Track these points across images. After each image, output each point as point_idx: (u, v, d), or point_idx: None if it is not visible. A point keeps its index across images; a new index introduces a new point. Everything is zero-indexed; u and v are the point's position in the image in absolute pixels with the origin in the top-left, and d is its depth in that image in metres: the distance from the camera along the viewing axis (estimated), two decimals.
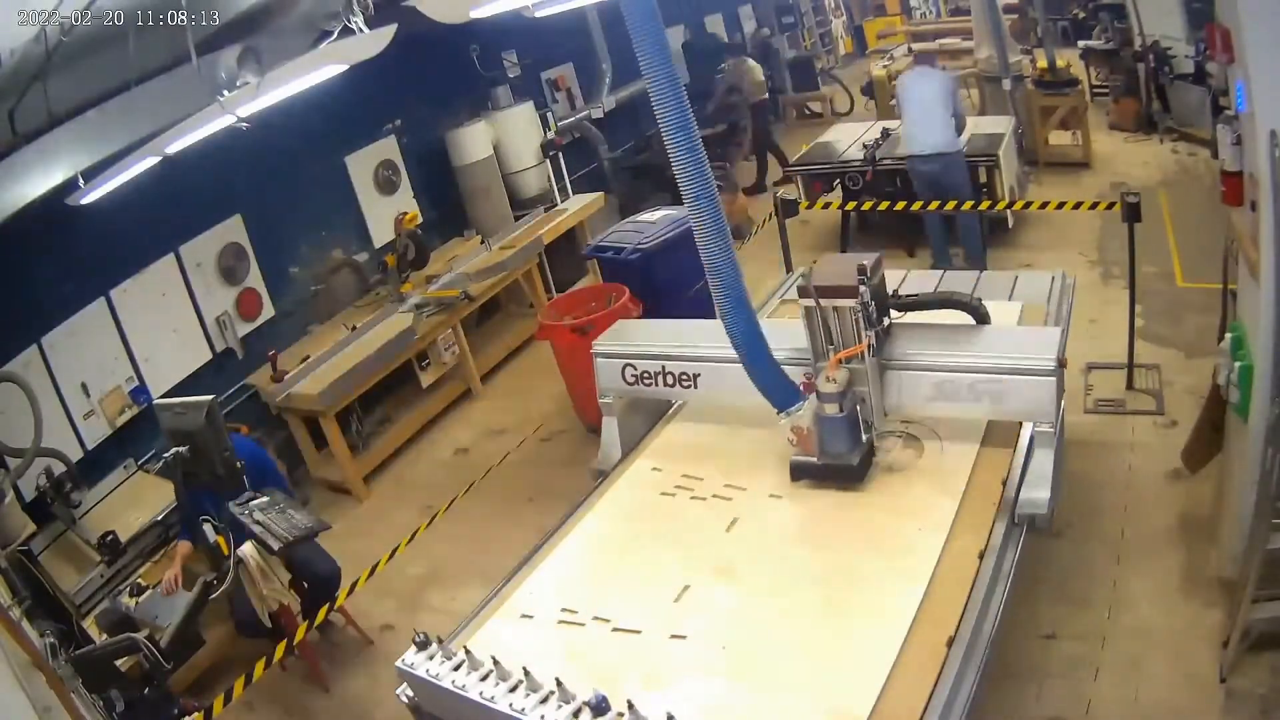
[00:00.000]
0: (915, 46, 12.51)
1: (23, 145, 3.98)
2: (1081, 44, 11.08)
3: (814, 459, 3.51)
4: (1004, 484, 3.42)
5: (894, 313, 3.71)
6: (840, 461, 3.48)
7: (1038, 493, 3.37)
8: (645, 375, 4.17)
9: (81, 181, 4.45)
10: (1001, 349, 3.49)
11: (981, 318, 3.73)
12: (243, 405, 6.41)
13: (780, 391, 3.50)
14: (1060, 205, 6.65)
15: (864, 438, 3.53)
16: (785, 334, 3.76)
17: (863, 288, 3.38)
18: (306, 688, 4.62)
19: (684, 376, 4.09)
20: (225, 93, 3.79)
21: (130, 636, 3.40)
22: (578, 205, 8.81)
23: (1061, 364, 3.38)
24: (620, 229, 6.86)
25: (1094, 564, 4.15)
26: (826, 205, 7.91)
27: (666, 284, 6.39)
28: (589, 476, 4.28)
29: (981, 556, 3.07)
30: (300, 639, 4.31)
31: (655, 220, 6.82)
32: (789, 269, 6.30)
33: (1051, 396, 3.35)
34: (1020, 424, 3.64)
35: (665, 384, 4.16)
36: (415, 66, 7.23)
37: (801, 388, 3.49)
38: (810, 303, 3.53)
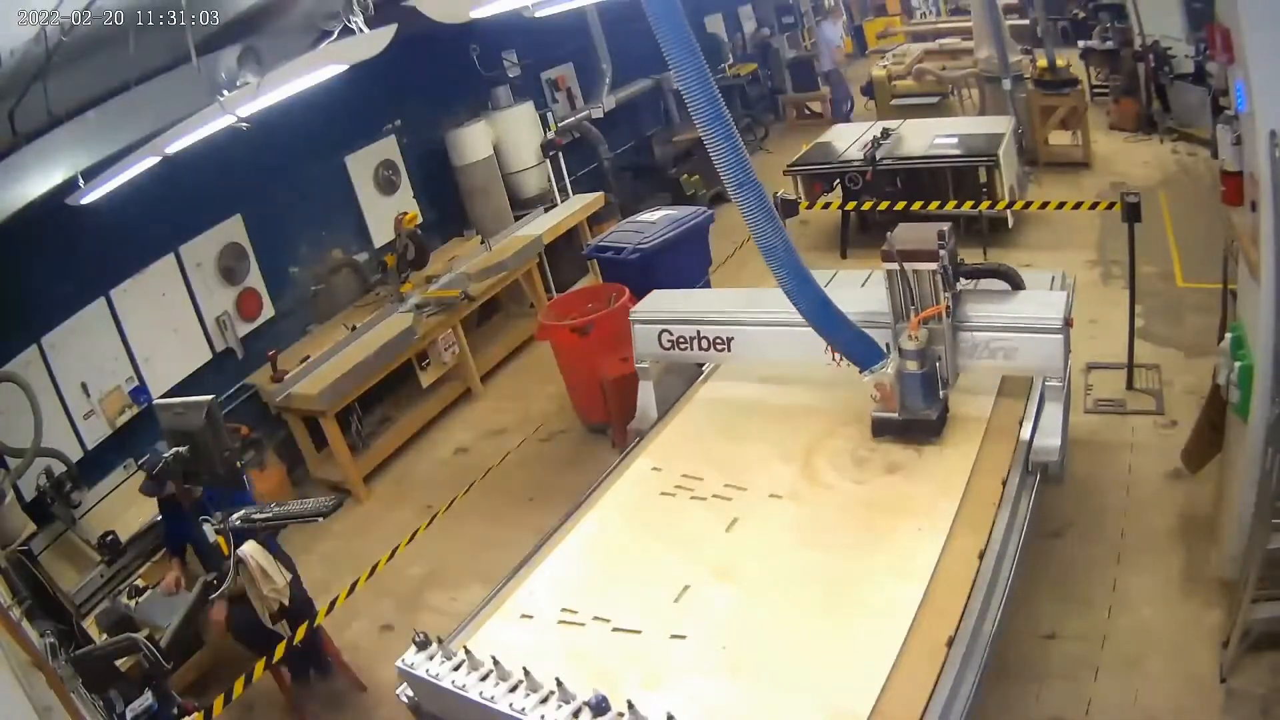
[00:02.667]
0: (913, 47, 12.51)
1: (23, 145, 3.98)
2: (1081, 44, 11.08)
3: (895, 415, 3.72)
4: (1006, 480, 3.43)
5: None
6: (920, 416, 3.70)
7: (1050, 440, 3.64)
8: (681, 340, 4.44)
9: (81, 181, 4.45)
10: (1029, 311, 3.78)
11: (1018, 284, 4.01)
12: (243, 405, 6.41)
13: (863, 351, 3.70)
14: (1060, 205, 6.65)
15: (941, 394, 3.74)
16: (854, 299, 3.97)
17: (942, 251, 3.62)
18: (305, 689, 4.61)
19: (718, 340, 4.35)
20: (225, 93, 3.80)
21: (130, 636, 3.40)
22: (579, 205, 8.82)
23: (1068, 323, 3.68)
24: (621, 229, 6.86)
25: (1094, 564, 4.15)
26: (826, 205, 7.91)
27: (667, 283, 6.39)
28: (628, 439, 4.54)
29: (981, 556, 3.07)
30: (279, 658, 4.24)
31: (655, 220, 6.82)
32: None
33: (1059, 352, 3.63)
34: (1020, 420, 3.67)
35: (700, 348, 4.44)
36: (415, 66, 7.23)
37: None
38: (894, 265, 3.74)
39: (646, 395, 4.59)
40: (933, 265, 3.66)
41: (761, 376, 4.49)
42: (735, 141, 3.14)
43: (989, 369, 3.86)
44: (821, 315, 3.56)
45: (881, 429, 3.78)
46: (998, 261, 4.51)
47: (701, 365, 4.79)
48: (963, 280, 3.94)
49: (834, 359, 3.90)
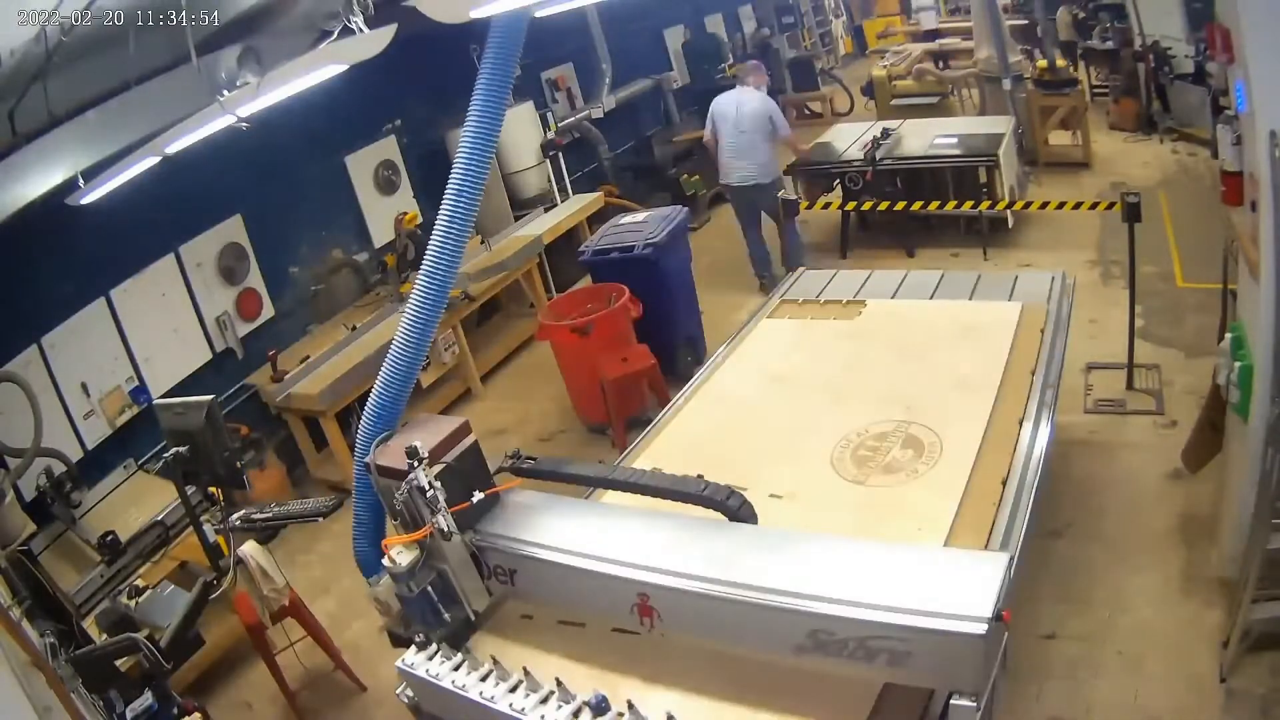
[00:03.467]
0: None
1: (23, 145, 3.98)
2: (1081, 44, 11.08)
3: (400, 630, 3.17)
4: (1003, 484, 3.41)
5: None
6: (428, 632, 3.00)
7: None
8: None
9: (81, 181, 4.45)
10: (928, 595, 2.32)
11: (736, 517, 2.93)
12: (243, 405, 6.41)
13: (368, 561, 3.41)
14: (1060, 205, 6.66)
15: (454, 615, 3.05)
16: None
17: (414, 472, 2.82)
18: (306, 688, 4.61)
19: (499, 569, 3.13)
20: (225, 93, 3.79)
21: (130, 636, 3.40)
22: (579, 205, 8.81)
23: (999, 617, 2.20)
24: (614, 231, 6.85)
25: (1094, 564, 4.15)
26: (826, 205, 7.91)
27: (670, 277, 6.43)
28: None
29: None
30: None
31: (644, 219, 6.86)
32: (789, 269, 6.31)
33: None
34: (1018, 429, 3.63)
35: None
36: (415, 66, 7.22)
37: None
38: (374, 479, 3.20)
39: None
40: (403, 484, 2.87)
41: (764, 376, 4.48)
42: (464, 232, 3.15)
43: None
44: (363, 500, 3.37)
45: (396, 641, 3.22)
46: (700, 479, 3.06)
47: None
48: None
49: (643, 622, 2.76)
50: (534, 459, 3.42)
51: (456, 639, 3.03)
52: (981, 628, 2.14)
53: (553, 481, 3.44)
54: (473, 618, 3.08)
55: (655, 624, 2.69)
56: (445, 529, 2.84)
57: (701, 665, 2.80)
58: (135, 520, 4.94)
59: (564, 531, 3.01)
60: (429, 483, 2.82)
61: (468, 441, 3.12)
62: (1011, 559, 2.50)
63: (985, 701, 2.27)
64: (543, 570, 2.93)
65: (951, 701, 2.28)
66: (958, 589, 2.28)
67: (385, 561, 2.96)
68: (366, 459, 3.19)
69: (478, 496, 3.02)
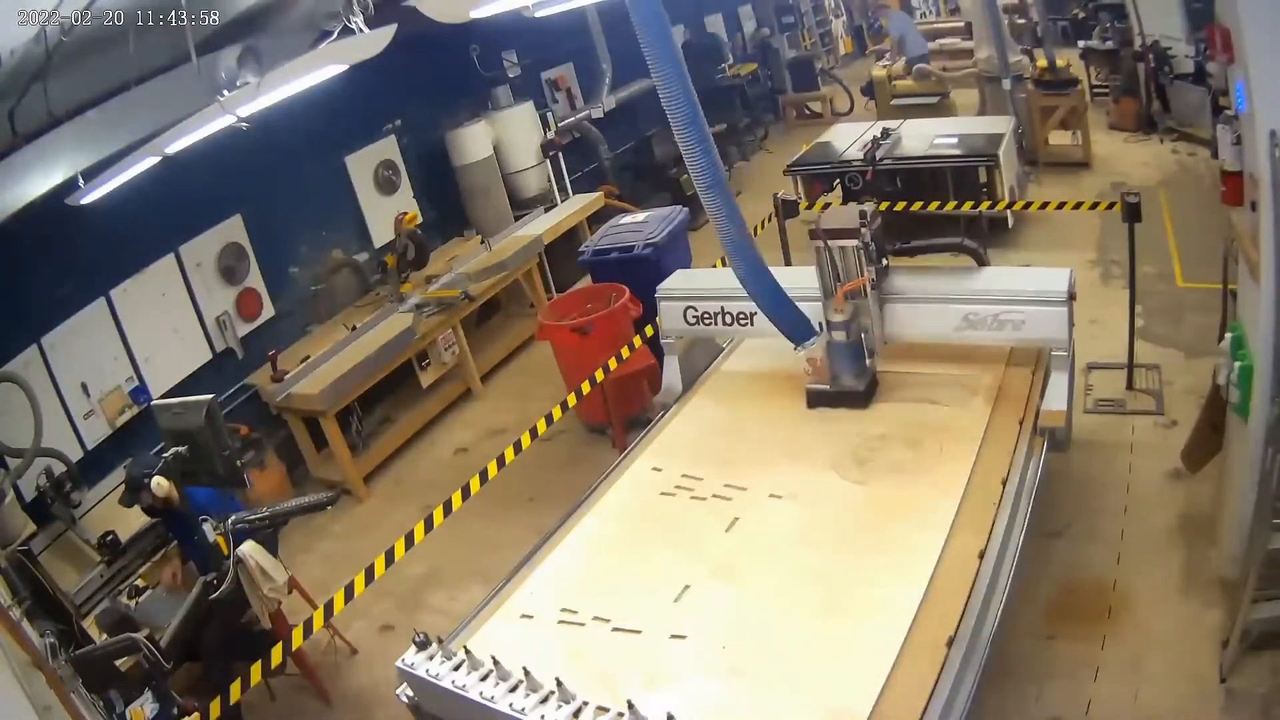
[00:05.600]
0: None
1: (23, 145, 3.98)
2: (1081, 44, 11.08)
3: (826, 386, 4.11)
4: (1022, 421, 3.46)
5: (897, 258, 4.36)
6: (848, 388, 4.09)
7: (1056, 405, 3.88)
8: (705, 315, 4.69)
9: (81, 181, 4.45)
10: (1005, 285, 4.07)
11: (982, 261, 4.48)
12: (243, 405, 6.41)
13: (796, 327, 4.00)
14: (1060, 205, 6.65)
15: (868, 364, 4.11)
16: (798, 277, 4.26)
17: (863, 229, 3.93)
18: (305, 688, 4.61)
19: (741, 315, 4.54)
20: (225, 93, 3.79)
21: (130, 636, 3.40)
22: (579, 205, 8.81)
23: (1072, 296, 3.91)
24: (614, 231, 6.84)
25: (1094, 564, 4.15)
26: (826, 205, 7.90)
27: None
28: (654, 409, 4.89)
29: (981, 556, 3.07)
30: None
31: (644, 219, 6.86)
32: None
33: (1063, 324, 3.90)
34: (1020, 422, 3.66)
35: (724, 323, 4.66)
36: (415, 66, 7.23)
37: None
38: (819, 243, 4.05)
39: (672, 370, 4.81)
40: (854, 242, 3.97)
41: (768, 370, 4.53)
42: (708, 145, 3.46)
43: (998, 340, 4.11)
44: (767, 296, 3.92)
45: (814, 400, 4.14)
46: (959, 238, 4.98)
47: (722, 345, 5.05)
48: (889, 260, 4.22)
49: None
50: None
51: (871, 390, 4.09)
52: (1064, 298, 3.87)
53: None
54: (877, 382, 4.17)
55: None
56: (874, 279, 4.01)
57: (702, 665, 2.81)
58: (135, 520, 4.93)
59: None
60: (871, 239, 3.92)
61: (879, 221, 4.07)
62: (1072, 271, 4.03)
63: (1071, 356, 3.99)
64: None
65: (1053, 353, 3.97)
66: (1047, 283, 3.97)
67: (830, 310, 4.03)
68: (813, 227, 4.10)
69: (886, 261, 4.12)
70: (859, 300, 4.06)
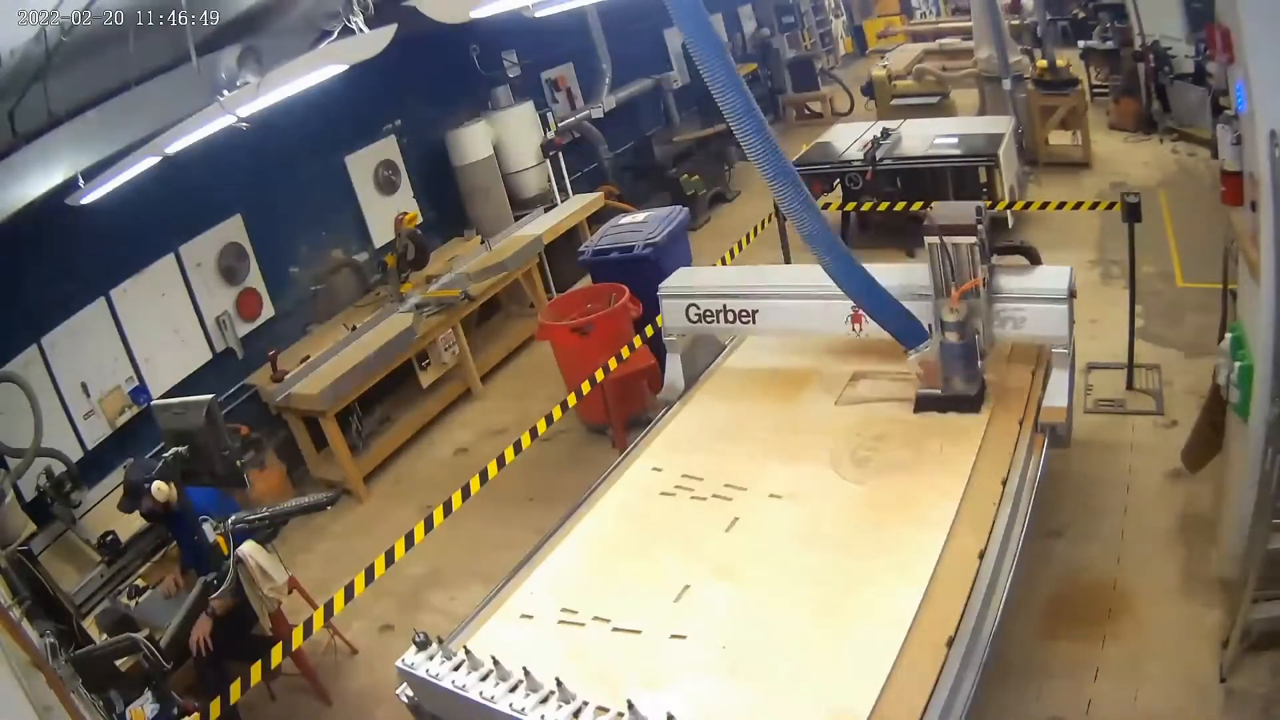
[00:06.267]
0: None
1: (23, 145, 3.98)
2: (1081, 44, 11.08)
3: (938, 390, 3.93)
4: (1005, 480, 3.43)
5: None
6: (960, 391, 3.91)
7: (1057, 401, 3.87)
8: (708, 313, 4.66)
9: (81, 181, 4.45)
10: (1006, 283, 4.01)
11: (1036, 260, 4.51)
12: (243, 405, 6.41)
13: (906, 328, 3.90)
14: (1060, 205, 6.64)
15: (980, 366, 3.92)
16: (894, 276, 4.09)
17: (979, 226, 3.77)
18: (305, 689, 4.61)
19: (744, 313, 4.54)
20: (225, 93, 3.79)
21: (130, 636, 3.40)
22: (579, 205, 8.81)
23: (1072, 294, 3.90)
24: (615, 231, 6.84)
25: (1094, 564, 4.15)
26: (826, 205, 7.89)
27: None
28: (654, 409, 4.93)
29: (981, 556, 3.07)
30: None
31: (643, 219, 6.85)
32: None
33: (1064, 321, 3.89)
34: (1020, 422, 3.70)
35: (726, 321, 4.64)
36: (415, 66, 7.22)
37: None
38: (934, 240, 3.85)
39: (674, 368, 4.79)
40: (971, 239, 3.80)
41: (770, 367, 4.56)
42: (767, 134, 3.23)
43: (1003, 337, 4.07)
44: (869, 296, 3.77)
45: (924, 404, 3.96)
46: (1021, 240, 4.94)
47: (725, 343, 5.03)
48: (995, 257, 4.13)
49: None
50: None
51: (974, 404, 3.87)
52: (1065, 294, 3.86)
53: None
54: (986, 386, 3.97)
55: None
56: (986, 280, 3.82)
57: (701, 665, 2.81)
58: (135, 520, 4.93)
59: None
60: (982, 238, 3.76)
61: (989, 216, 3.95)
62: (1071, 270, 4.00)
63: (1071, 352, 3.98)
64: None
65: (1054, 350, 3.95)
66: (1049, 280, 3.97)
67: (945, 310, 3.80)
68: (928, 222, 3.89)
69: (994, 259, 3.99)
70: (973, 300, 3.88)
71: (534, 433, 4.92)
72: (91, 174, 4.46)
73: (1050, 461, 3.85)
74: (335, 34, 3.90)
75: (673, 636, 2.94)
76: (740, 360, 4.83)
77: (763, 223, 7.07)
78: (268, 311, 6.80)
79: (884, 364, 4.30)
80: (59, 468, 5.04)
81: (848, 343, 4.48)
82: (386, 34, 3.91)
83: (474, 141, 8.25)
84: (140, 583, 4.59)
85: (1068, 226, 7.47)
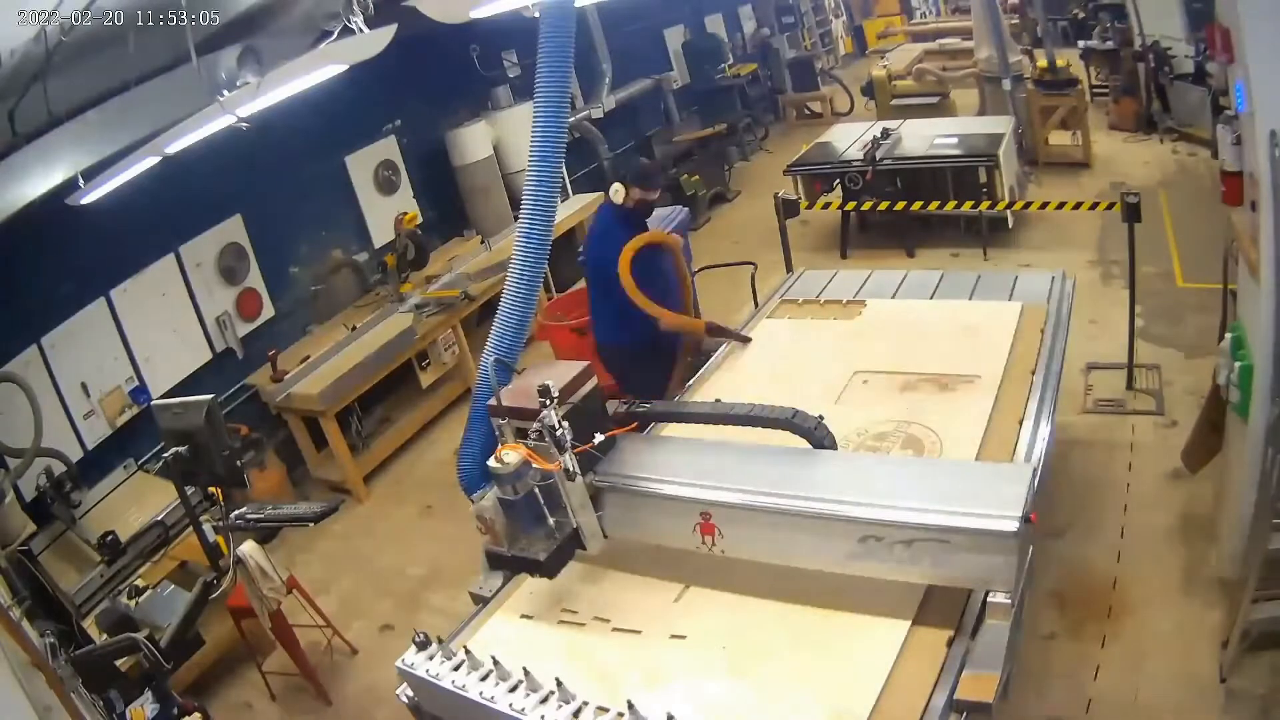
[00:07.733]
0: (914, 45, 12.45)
1: (23, 145, 3.97)
2: (1081, 44, 11.08)
3: (503, 550, 3.08)
4: None
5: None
6: (530, 554, 2.98)
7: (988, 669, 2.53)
8: None
9: (81, 181, 4.44)
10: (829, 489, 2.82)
11: (819, 443, 3.09)
12: (243, 405, 6.41)
13: (470, 475, 3.59)
14: (1060, 205, 6.65)
15: (560, 524, 3.02)
16: None
17: (545, 411, 2.86)
18: (305, 688, 4.62)
19: None
20: (225, 93, 3.78)
21: (130, 636, 3.40)
22: (579, 205, 8.81)
23: (1029, 519, 2.48)
24: None
25: (1094, 564, 4.15)
26: (826, 205, 7.90)
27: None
28: None
29: None
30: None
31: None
32: (789, 269, 6.30)
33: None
34: (1018, 429, 3.64)
35: None
36: (415, 66, 7.23)
37: None
38: (501, 421, 3.14)
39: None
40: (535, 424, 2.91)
41: (763, 376, 4.49)
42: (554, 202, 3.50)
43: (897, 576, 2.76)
44: (477, 426, 3.56)
45: (493, 562, 3.21)
46: (791, 408, 3.16)
47: None
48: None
49: (703, 542, 3.08)
50: (648, 404, 3.68)
51: (561, 557, 3.01)
52: (1014, 525, 2.43)
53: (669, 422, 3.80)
54: (586, 546, 3.10)
55: (716, 541, 3.02)
56: (571, 469, 2.92)
57: (702, 665, 2.80)
58: (135, 520, 4.94)
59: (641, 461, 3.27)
60: (558, 422, 2.88)
61: (591, 384, 3.18)
62: (1035, 469, 2.83)
63: (1018, 601, 2.58)
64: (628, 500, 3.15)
65: (988, 599, 2.60)
66: (992, 494, 2.59)
67: (492, 462, 2.86)
68: (490, 401, 3.20)
69: (599, 438, 3.12)
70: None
71: None
72: (91, 174, 4.46)
73: (1051, 461, 3.83)
74: (335, 34, 3.89)
75: (673, 636, 2.94)
76: (742, 357, 4.81)
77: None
78: (268, 311, 6.80)
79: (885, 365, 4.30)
80: (59, 468, 5.03)
81: (849, 341, 4.47)
82: (386, 34, 3.90)
83: (474, 141, 8.25)
84: (140, 583, 4.59)
85: (1068, 226, 7.48)
